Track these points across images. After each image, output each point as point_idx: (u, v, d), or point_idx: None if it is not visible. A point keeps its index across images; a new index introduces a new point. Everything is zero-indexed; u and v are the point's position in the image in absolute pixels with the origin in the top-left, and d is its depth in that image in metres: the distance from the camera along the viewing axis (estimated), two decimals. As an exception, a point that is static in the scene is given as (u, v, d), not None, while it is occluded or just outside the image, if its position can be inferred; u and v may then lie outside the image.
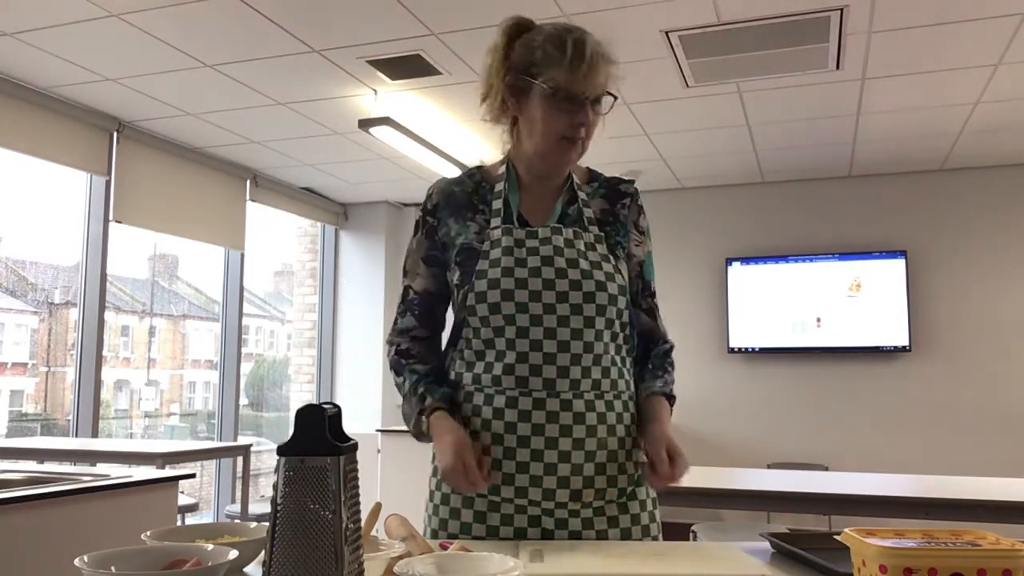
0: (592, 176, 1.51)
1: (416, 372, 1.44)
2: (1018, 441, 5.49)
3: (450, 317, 1.47)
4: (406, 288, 1.49)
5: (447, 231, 1.43)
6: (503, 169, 1.46)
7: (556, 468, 1.31)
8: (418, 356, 1.46)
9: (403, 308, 1.49)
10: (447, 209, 1.44)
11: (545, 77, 1.34)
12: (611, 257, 1.40)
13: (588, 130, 1.38)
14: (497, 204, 1.42)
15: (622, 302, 1.38)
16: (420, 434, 1.39)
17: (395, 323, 1.50)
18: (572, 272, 1.34)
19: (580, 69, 1.32)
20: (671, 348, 1.51)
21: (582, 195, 1.45)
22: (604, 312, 1.35)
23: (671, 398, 1.44)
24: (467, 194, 1.45)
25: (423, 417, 1.37)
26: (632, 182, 1.53)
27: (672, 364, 1.49)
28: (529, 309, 1.33)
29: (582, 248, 1.37)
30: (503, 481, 1.33)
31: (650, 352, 1.49)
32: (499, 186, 1.44)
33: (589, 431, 1.32)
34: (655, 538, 1.40)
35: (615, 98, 1.38)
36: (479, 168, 1.49)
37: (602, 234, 1.41)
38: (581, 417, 1.32)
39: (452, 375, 1.43)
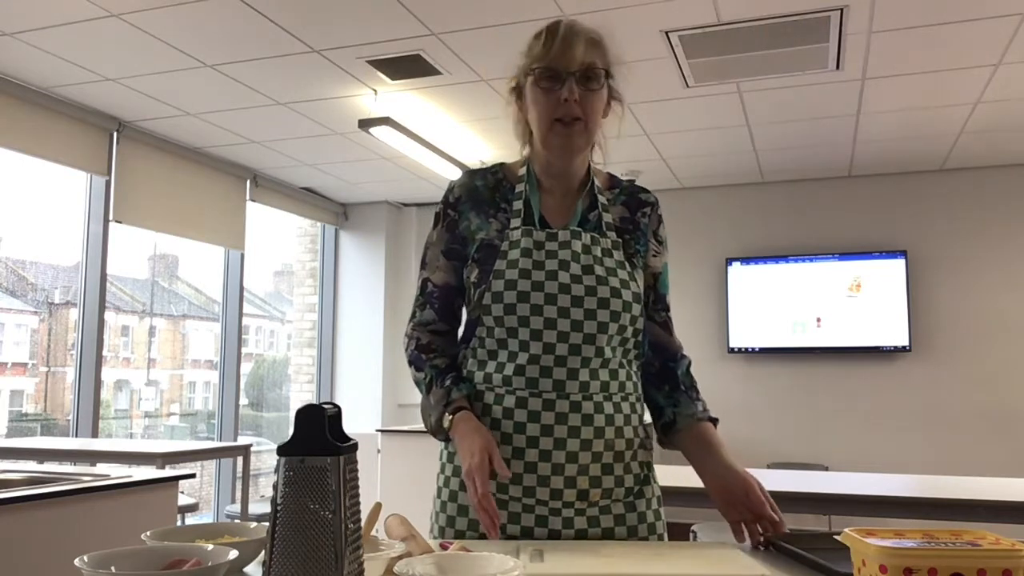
0: (613, 182, 1.50)
1: (437, 367, 1.43)
2: (1018, 441, 5.49)
3: (464, 313, 1.47)
4: (424, 281, 1.47)
5: (468, 225, 1.43)
6: (523, 171, 1.46)
7: (563, 468, 1.32)
8: (438, 350, 1.46)
9: (422, 301, 1.48)
10: (469, 203, 1.44)
11: (528, 64, 1.38)
12: (627, 264, 1.40)
13: (585, 109, 1.35)
14: (518, 204, 1.42)
15: (636, 309, 1.38)
16: (439, 431, 1.38)
17: (413, 315, 1.49)
18: (587, 278, 1.35)
19: (554, 45, 1.35)
20: (691, 363, 1.51)
21: (602, 200, 1.45)
22: (617, 318, 1.35)
23: (715, 422, 1.45)
24: (489, 190, 1.45)
25: (447, 415, 1.36)
26: (650, 192, 1.53)
27: (696, 383, 1.50)
28: (544, 312, 1.33)
29: (599, 254, 1.37)
30: (511, 480, 1.33)
31: (669, 367, 1.48)
32: (520, 187, 1.44)
33: (597, 432, 1.33)
34: (661, 536, 1.41)
35: (607, 72, 1.37)
36: (501, 165, 1.49)
37: (620, 240, 1.41)
38: (590, 419, 1.33)
39: (464, 373, 1.43)
